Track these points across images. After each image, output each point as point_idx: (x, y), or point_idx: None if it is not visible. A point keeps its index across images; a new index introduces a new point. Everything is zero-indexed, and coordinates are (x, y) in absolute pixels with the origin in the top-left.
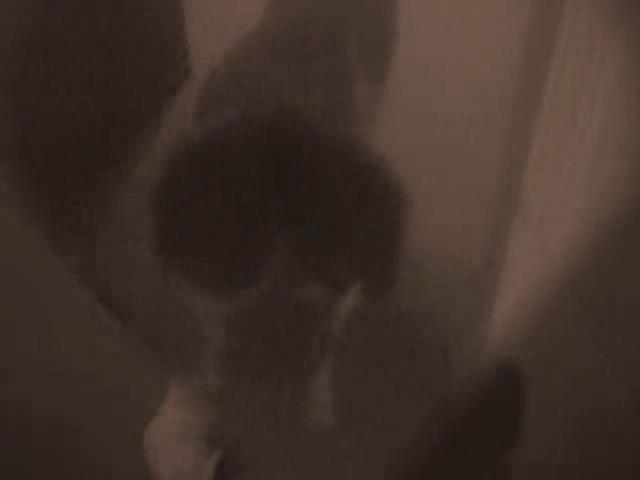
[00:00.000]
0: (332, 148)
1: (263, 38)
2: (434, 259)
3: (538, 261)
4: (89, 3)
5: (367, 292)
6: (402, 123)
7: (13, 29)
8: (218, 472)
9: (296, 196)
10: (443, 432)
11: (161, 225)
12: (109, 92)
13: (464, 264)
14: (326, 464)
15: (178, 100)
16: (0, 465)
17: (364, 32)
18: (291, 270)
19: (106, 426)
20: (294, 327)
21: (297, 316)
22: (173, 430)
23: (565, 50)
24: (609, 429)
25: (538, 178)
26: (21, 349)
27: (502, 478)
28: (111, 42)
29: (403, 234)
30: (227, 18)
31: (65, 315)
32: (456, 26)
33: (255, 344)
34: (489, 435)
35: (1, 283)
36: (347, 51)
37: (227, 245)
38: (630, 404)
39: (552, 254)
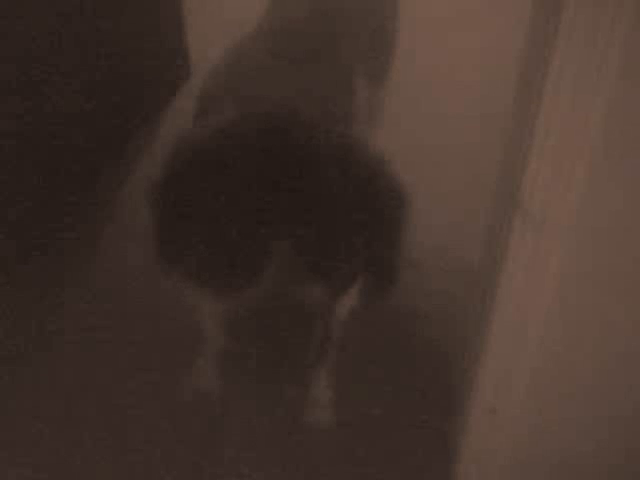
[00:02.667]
0: (332, 148)
1: (263, 38)
2: (434, 259)
3: (538, 261)
4: (90, 4)
5: (367, 292)
6: (402, 123)
7: (15, 29)
8: None
9: (296, 196)
10: None
11: (161, 225)
12: (110, 92)
13: (464, 264)
14: (326, 464)
15: (178, 100)
16: None
17: (364, 33)
18: (291, 270)
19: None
20: (294, 327)
21: (297, 316)
22: None
23: (565, 50)
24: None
25: (538, 178)
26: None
27: None
28: (111, 42)
29: (403, 234)
30: (227, 18)
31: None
32: (456, 27)
33: (255, 344)
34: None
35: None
36: (347, 52)
37: (227, 245)
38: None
39: (552, 254)
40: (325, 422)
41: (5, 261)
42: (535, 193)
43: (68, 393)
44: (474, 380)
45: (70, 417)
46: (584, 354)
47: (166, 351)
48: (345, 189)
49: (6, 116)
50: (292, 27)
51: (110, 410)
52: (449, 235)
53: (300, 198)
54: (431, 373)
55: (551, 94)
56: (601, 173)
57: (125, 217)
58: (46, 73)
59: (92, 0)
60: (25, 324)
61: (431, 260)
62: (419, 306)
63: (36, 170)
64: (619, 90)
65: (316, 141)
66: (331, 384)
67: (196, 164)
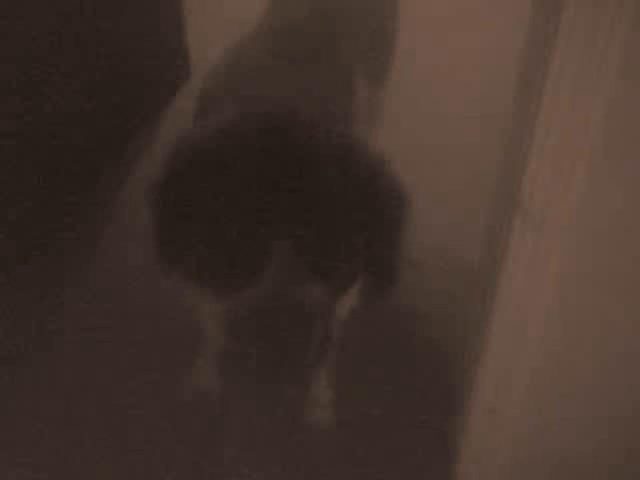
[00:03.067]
0: (332, 148)
1: (263, 38)
2: (434, 259)
3: (538, 261)
4: (90, 4)
5: (367, 292)
6: (402, 123)
7: (15, 29)
8: None
9: (296, 196)
10: None
11: (161, 225)
12: (110, 92)
13: (464, 264)
14: (326, 464)
15: (178, 100)
16: None
17: (364, 33)
18: (291, 270)
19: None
20: (294, 327)
21: (297, 316)
22: None
23: (565, 50)
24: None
25: (538, 178)
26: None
27: None
28: (111, 42)
29: (403, 234)
30: (227, 18)
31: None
32: (456, 27)
33: (255, 344)
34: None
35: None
36: (347, 52)
37: (227, 245)
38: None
39: (552, 254)
40: (325, 422)
41: (5, 261)
42: (535, 193)
43: (68, 393)
44: (474, 380)
45: (70, 417)
46: (584, 354)
47: (166, 351)
48: (345, 189)
49: (6, 116)
50: (292, 27)
51: (110, 410)
52: (449, 235)
53: (300, 198)
54: (431, 373)
55: (551, 94)
56: (601, 173)
57: (125, 217)
58: (46, 73)
59: (92, 0)
60: (25, 324)
61: (431, 260)
62: (419, 306)
63: (36, 170)
64: (619, 90)
65: (316, 141)
66: (331, 384)
67: (196, 164)
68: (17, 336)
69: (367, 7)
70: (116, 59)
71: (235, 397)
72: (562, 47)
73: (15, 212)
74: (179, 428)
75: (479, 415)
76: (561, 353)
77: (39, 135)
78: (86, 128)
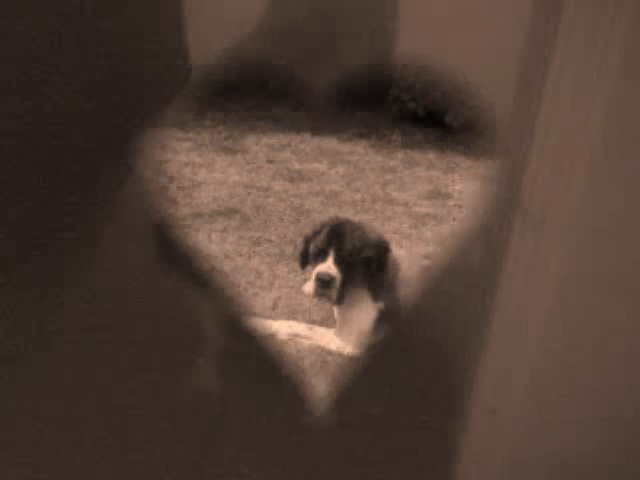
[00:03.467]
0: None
1: (263, 38)
2: (434, 259)
3: (538, 261)
4: (90, 4)
5: (368, 292)
6: None
7: (15, 29)
8: None
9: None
10: None
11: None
12: (110, 92)
13: (464, 264)
14: (326, 464)
15: (178, 100)
16: None
17: (364, 33)
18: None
19: None
20: None
21: None
22: None
23: (565, 50)
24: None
25: (538, 178)
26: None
27: None
28: (111, 42)
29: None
30: (227, 18)
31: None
32: (456, 27)
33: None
34: None
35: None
36: (347, 52)
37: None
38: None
39: (552, 254)
40: (325, 422)
41: (5, 261)
42: (535, 193)
43: (68, 393)
44: (474, 380)
45: (70, 417)
46: (584, 355)
47: (166, 351)
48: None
49: (6, 116)
50: (292, 27)
51: (110, 410)
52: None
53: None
54: (431, 373)
55: (551, 94)
56: (601, 173)
57: (125, 217)
58: (46, 73)
59: (92, 0)
60: (25, 324)
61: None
62: (420, 306)
63: (36, 170)
64: (619, 90)
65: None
66: (331, 384)
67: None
68: (17, 336)
69: (367, 7)
70: (116, 59)
71: (235, 397)
72: (562, 47)
73: (15, 212)
74: (179, 428)
75: (479, 415)
76: (561, 353)
77: (39, 135)
78: (86, 128)
